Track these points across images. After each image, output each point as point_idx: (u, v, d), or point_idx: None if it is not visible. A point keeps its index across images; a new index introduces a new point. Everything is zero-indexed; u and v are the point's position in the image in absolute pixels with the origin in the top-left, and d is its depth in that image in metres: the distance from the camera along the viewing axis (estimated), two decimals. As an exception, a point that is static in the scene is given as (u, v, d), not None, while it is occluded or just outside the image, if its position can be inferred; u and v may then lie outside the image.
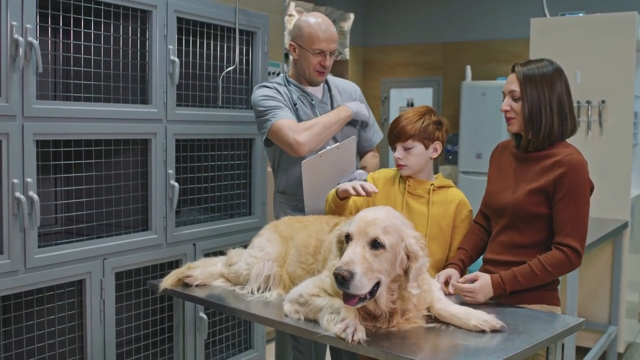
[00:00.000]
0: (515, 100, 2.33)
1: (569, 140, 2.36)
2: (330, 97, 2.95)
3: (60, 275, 2.61)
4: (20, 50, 2.39)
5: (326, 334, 1.88)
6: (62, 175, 2.96)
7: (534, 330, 1.96)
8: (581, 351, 4.02)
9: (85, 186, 2.90)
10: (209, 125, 3.24)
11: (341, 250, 1.98)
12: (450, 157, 7.99)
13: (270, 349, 3.68)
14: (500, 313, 2.00)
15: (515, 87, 2.32)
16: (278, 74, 4.37)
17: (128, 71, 2.98)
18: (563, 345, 3.41)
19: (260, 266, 2.35)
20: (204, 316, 3.21)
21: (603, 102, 4.29)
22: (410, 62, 9.13)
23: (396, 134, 2.50)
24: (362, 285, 1.80)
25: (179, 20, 3.05)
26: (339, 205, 2.47)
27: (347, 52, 7.30)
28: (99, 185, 2.92)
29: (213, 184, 3.36)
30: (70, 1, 2.66)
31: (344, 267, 1.80)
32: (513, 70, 2.35)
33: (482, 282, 2.21)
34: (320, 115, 2.83)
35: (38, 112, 2.50)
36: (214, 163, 3.36)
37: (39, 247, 2.54)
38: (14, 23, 2.39)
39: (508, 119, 2.36)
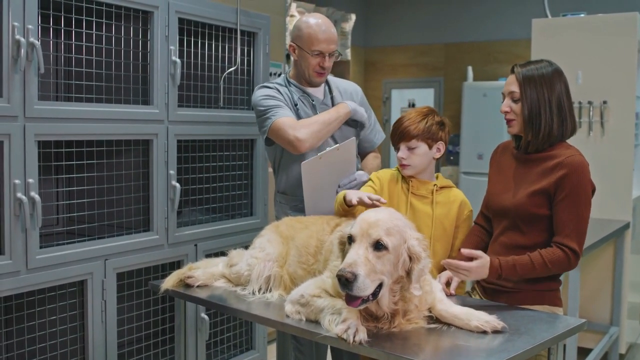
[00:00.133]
0: (514, 101, 2.33)
1: (570, 141, 2.36)
2: (331, 98, 2.95)
3: (61, 275, 2.61)
4: (22, 51, 2.40)
5: (327, 334, 1.88)
6: (63, 175, 2.97)
7: (535, 331, 1.96)
8: (583, 352, 4.01)
9: (87, 187, 2.90)
10: (211, 125, 3.24)
11: (343, 252, 1.98)
12: (451, 157, 7.98)
13: (272, 350, 3.68)
14: (501, 314, 2.00)
15: (515, 88, 2.32)
16: (279, 75, 4.37)
17: (129, 72, 2.98)
18: (565, 346, 3.41)
19: (261, 267, 2.35)
20: (205, 317, 3.21)
21: (605, 102, 4.28)
22: (411, 63, 9.12)
23: (400, 134, 2.51)
24: (365, 287, 1.81)
25: (181, 21, 3.05)
26: (347, 210, 2.46)
27: (348, 53, 7.28)
28: (100, 186, 2.92)
29: (214, 185, 3.36)
30: (72, 2, 2.67)
31: (347, 269, 1.80)
32: (512, 72, 2.35)
33: (480, 263, 2.17)
34: (320, 115, 2.83)
35: (40, 112, 2.50)
36: (215, 164, 3.36)
37: (41, 247, 2.54)
38: (16, 24, 2.39)
39: (508, 121, 2.36)
